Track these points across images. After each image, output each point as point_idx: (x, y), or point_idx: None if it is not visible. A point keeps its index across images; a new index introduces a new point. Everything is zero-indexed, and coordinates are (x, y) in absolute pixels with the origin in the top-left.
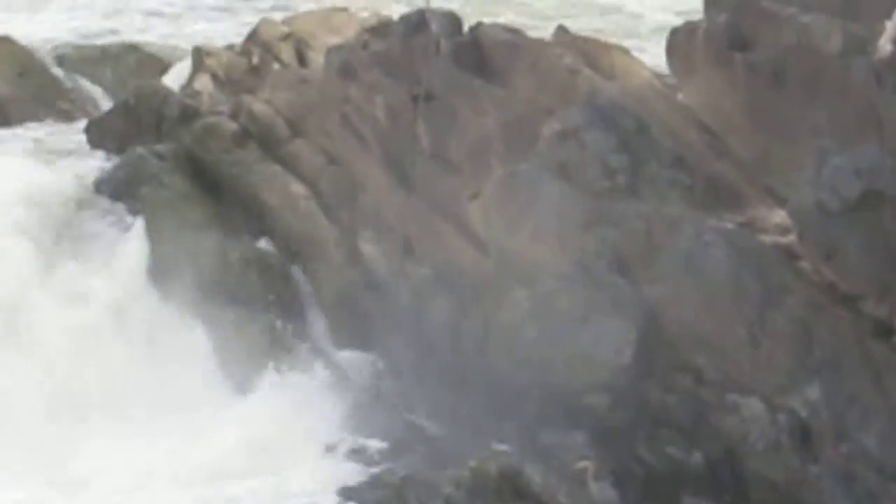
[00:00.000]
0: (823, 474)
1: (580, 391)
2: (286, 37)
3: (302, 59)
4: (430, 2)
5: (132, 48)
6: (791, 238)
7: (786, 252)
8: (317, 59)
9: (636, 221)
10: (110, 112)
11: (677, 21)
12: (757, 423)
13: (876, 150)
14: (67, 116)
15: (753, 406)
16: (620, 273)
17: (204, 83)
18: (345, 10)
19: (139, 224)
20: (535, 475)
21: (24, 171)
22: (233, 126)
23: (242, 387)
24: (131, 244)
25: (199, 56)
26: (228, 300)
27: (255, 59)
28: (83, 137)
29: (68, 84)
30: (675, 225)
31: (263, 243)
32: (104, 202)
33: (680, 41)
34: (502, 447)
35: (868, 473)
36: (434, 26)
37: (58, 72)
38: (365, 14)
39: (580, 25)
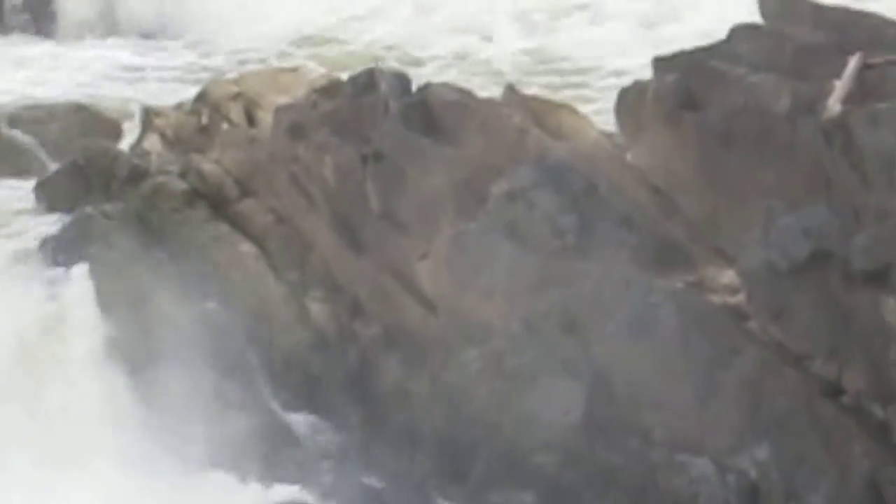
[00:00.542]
0: None
1: (529, 451)
2: (235, 96)
3: (251, 119)
4: (380, 62)
5: (80, 108)
6: (740, 298)
7: (735, 312)
8: (266, 118)
9: (585, 282)
10: (59, 172)
11: None
12: (706, 483)
13: (824, 210)
14: (17, 176)
15: (703, 466)
16: (570, 333)
17: (153, 143)
18: (294, 70)
19: (88, 285)
20: None
21: None
22: (182, 186)
23: (191, 449)
24: (80, 306)
25: (148, 116)
26: (177, 362)
27: (205, 119)
28: (32, 197)
29: (17, 144)
30: (623, 285)
31: (212, 303)
32: (51, 262)
33: (629, 101)
34: None
35: None
36: (383, 86)
37: (6, 130)
38: (314, 74)
39: None
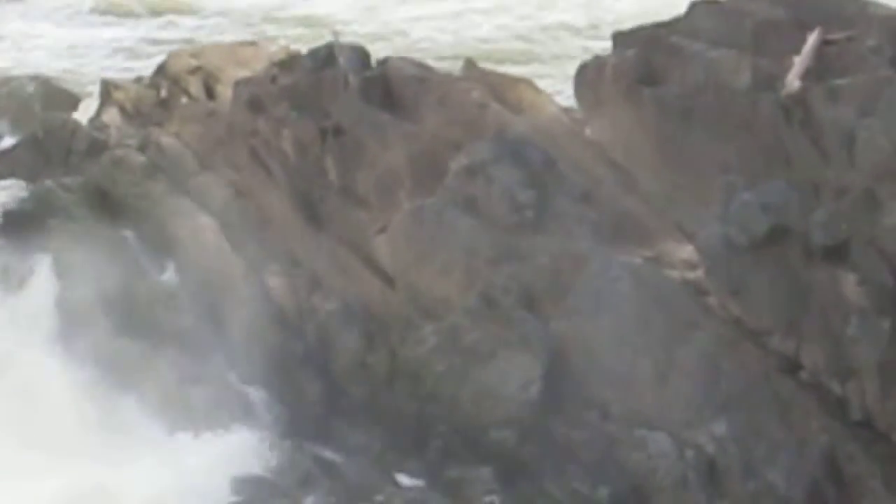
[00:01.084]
0: None
1: (487, 426)
2: (195, 70)
3: (210, 93)
4: (339, 36)
5: (39, 81)
6: (699, 273)
7: (693, 287)
8: (225, 92)
9: (544, 257)
10: (18, 145)
11: None
12: (664, 458)
13: (783, 186)
14: None
15: (661, 441)
16: (528, 308)
17: (112, 116)
18: (253, 43)
19: (47, 258)
20: None
21: None
22: (141, 159)
23: (151, 422)
24: (40, 278)
25: (107, 89)
26: (136, 334)
27: (164, 93)
28: None
29: None
30: (582, 260)
31: (171, 276)
32: (11, 235)
33: (588, 76)
34: (410, 481)
35: None
36: (342, 60)
37: None
38: (273, 48)
39: None
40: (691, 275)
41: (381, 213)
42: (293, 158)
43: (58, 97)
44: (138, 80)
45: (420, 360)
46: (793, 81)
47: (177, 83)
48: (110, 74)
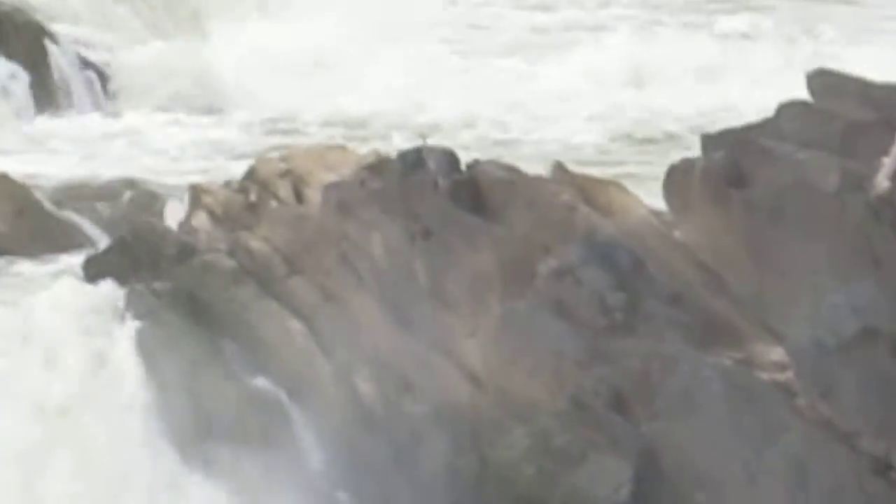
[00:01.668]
0: None
1: None
2: (284, 174)
3: (299, 197)
4: (427, 139)
5: (129, 184)
6: (788, 375)
7: (783, 389)
8: (314, 196)
9: (633, 359)
10: (107, 249)
11: None
12: None
13: (872, 287)
14: (65, 253)
15: None
16: (618, 411)
17: (201, 220)
18: (342, 147)
19: (137, 361)
20: None
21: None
22: (230, 263)
23: None
24: (130, 380)
25: (197, 193)
26: (224, 437)
27: (253, 197)
28: (81, 274)
29: (65, 221)
30: (672, 362)
31: (261, 381)
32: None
33: (677, 178)
34: None
35: None
36: (431, 164)
37: (54, 209)
38: (363, 151)
39: None
40: (781, 376)
41: (470, 316)
42: (382, 262)
43: (147, 201)
44: (227, 183)
45: (510, 463)
46: (882, 182)
47: (266, 187)
48: (199, 178)
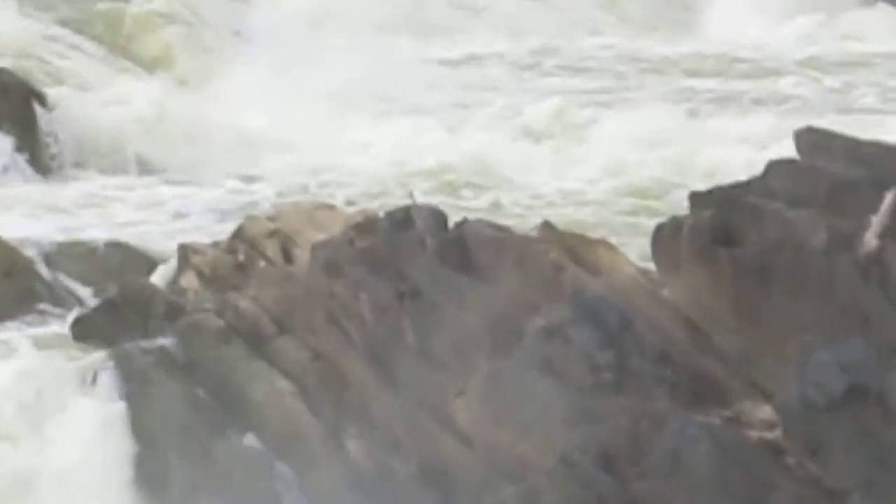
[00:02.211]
0: None
1: None
2: (272, 233)
3: (288, 256)
4: (416, 198)
5: (116, 245)
6: (777, 433)
7: (772, 447)
8: (302, 255)
9: (622, 418)
10: (96, 309)
11: None
12: None
13: (861, 346)
14: (53, 314)
15: None
16: (606, 469)
17: (190, 280)
18: (331, 206)
19: (125, 421)
20: None
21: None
22: (218, 323)
23: None
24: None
25: (185, 253)
26: (214, 495)
27: (241, 256)
28: (68, 334)
29: (54, 281)
30: (660, 421)
31: (249, 439)
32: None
33: (665, 236)
34: None
35: None
36: (419, 223)
37: (43, 269)
38: (351, 210)
39: None
40: (769, 434)
41: (459, 375)
42: (370, 321)
43: (135, 261)
44: (216, 244)
45: None
46: (870, 240)
47: (254, 246)
48: (186, 238)
